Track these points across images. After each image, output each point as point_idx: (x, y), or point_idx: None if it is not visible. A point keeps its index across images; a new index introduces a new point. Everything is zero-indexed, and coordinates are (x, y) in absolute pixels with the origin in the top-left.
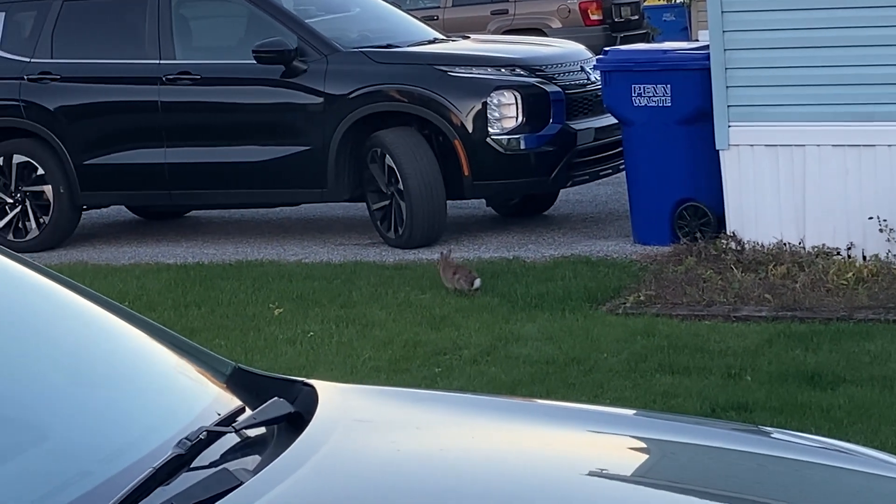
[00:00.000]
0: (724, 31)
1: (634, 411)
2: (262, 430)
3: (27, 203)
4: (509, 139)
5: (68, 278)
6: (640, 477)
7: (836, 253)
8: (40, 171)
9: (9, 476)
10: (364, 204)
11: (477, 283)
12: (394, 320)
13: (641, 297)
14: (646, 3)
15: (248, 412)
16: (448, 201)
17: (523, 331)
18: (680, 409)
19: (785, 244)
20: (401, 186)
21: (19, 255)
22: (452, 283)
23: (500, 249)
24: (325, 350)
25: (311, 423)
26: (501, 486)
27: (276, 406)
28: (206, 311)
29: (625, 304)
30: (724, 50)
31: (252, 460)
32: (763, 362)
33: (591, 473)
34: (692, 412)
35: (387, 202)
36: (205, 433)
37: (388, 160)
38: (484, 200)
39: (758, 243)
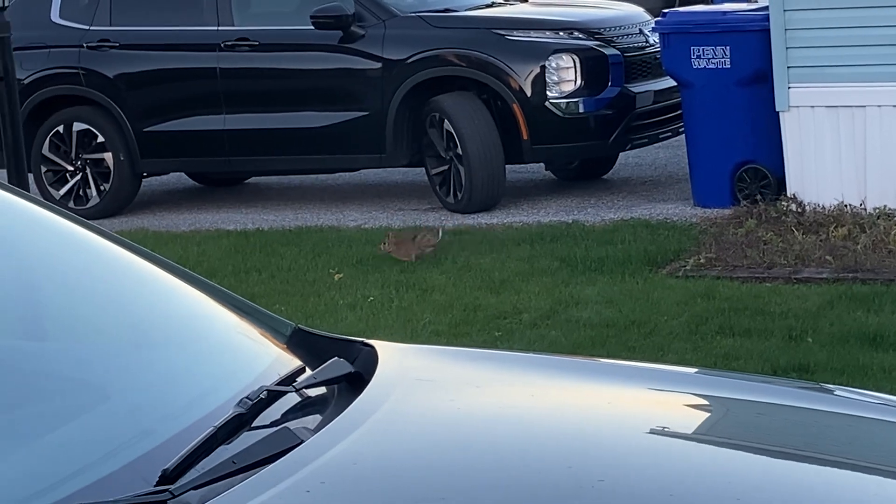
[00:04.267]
0: None
1: (696, 369)
2: (322, 389)
3: (87, 171)
4: (568, 103)
5: (129, 240)
6: (702, 434)
7: None
8: (100, 139)
9: (72, 436)
10: (423, 169)
11: (441, 233)
12: (453, 285)
13: (702, 260)
14: None
15: (309, 372)
16: (507, 165)
17: (583, 294)
18: (741, 371)
19: (846, 205)
20: (459, 151)
21: (81, 218)
22: (417, 248)
23: (560, 213)
24: (385, 315)
25: (370, 383)
26: (562, 443)
27: (336, 366)
28: (267, 276)
29: (685, 266)
30: (784, 11)
31: (312, 419)
32: (824, 324)
33: (652, 431)
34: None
35: (446, 167)
36: (265, 393)
37: (447, 125)
38: (543, 164)
39: (818, 205)
